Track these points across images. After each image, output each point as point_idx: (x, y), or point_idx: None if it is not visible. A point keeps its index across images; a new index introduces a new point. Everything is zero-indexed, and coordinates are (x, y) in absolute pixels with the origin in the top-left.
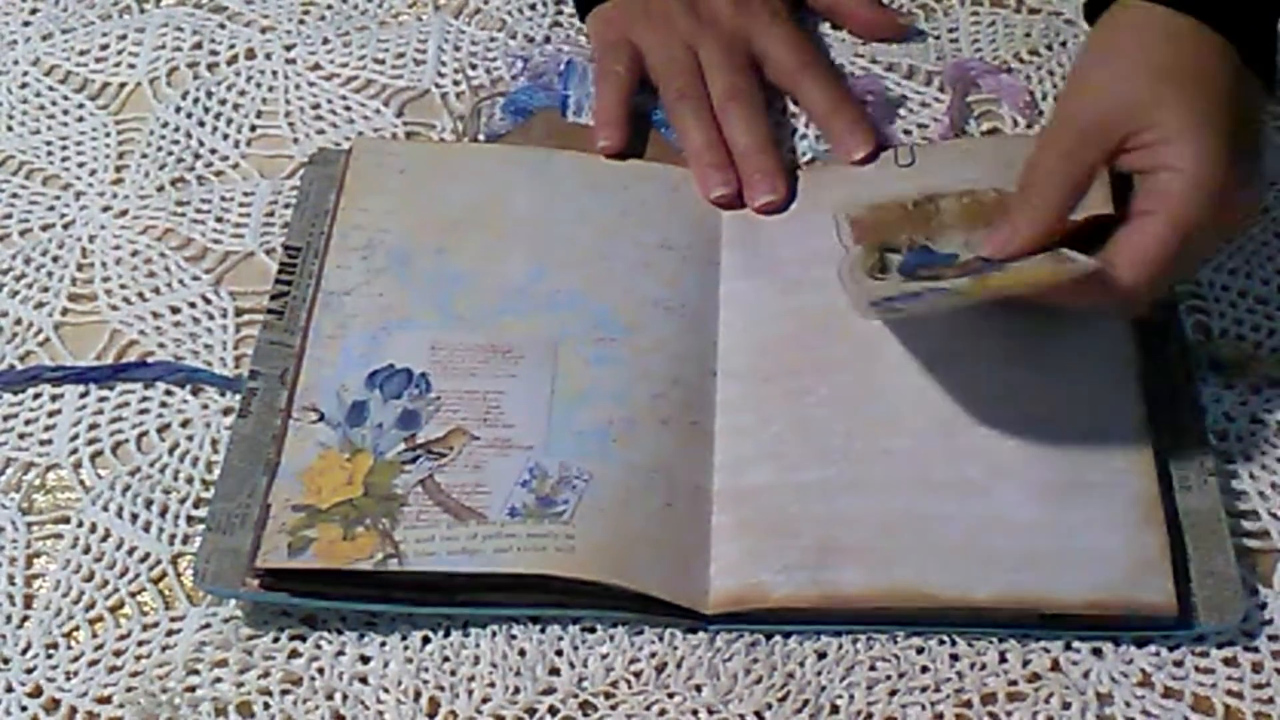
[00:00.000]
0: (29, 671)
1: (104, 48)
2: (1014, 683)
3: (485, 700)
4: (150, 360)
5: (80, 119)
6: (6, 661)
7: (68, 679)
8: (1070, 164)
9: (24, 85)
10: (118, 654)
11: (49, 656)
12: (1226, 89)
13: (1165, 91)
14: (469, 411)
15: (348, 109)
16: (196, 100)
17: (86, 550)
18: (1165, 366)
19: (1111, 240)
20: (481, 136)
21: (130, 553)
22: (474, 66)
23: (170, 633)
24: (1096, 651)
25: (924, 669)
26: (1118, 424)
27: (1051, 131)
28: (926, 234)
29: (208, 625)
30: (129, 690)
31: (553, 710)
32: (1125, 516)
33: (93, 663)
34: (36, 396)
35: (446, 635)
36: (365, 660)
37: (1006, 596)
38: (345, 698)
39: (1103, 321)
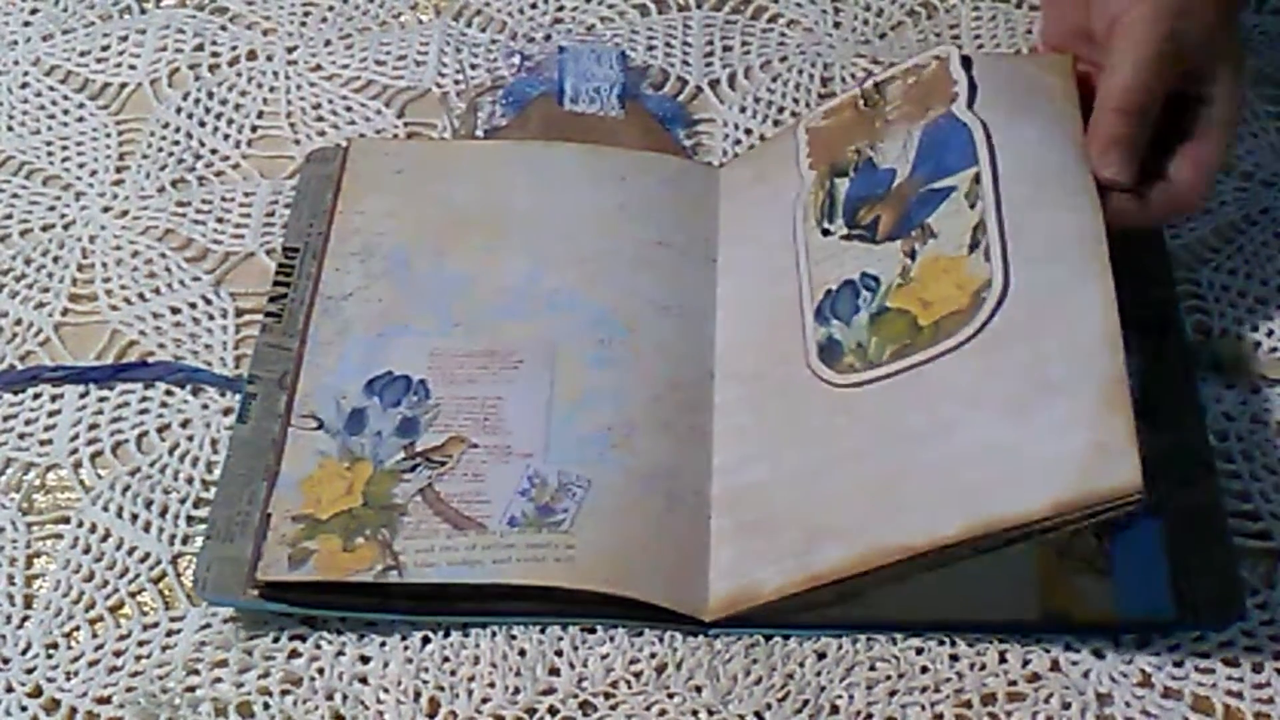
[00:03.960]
0: (29, 671)
1: (105, 48)
2: (1014, 683)
3: (485, 700)
4: (150, 360)
5: (81, 119)
6: (6, 661)
7: (68, 679)
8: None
9: (24, 85)
10: (118, 654)
11: (49, 656)
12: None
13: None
14: (468, 418)
15: (349, 109)
16: (197, 101)
17: (86, 550)
18: (1165, 366)
19: (1178, 159)
20: (480, 132)
21: (130, 553)
22: (475, 67)
23: (170, 633)
24: (1096, 651)
25: (924, 669)
26: (1083, 312)
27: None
28: (872, 138)
29: (208, 625)
30: (129, 690)
31: (553, 710)
32: (1088, 406)
33: (93, 663)
34: (36, 396)
35: (446, 635)
36: (365, 660)
37: (972, 526)
38: (345, 698)
39: (1068, 211)
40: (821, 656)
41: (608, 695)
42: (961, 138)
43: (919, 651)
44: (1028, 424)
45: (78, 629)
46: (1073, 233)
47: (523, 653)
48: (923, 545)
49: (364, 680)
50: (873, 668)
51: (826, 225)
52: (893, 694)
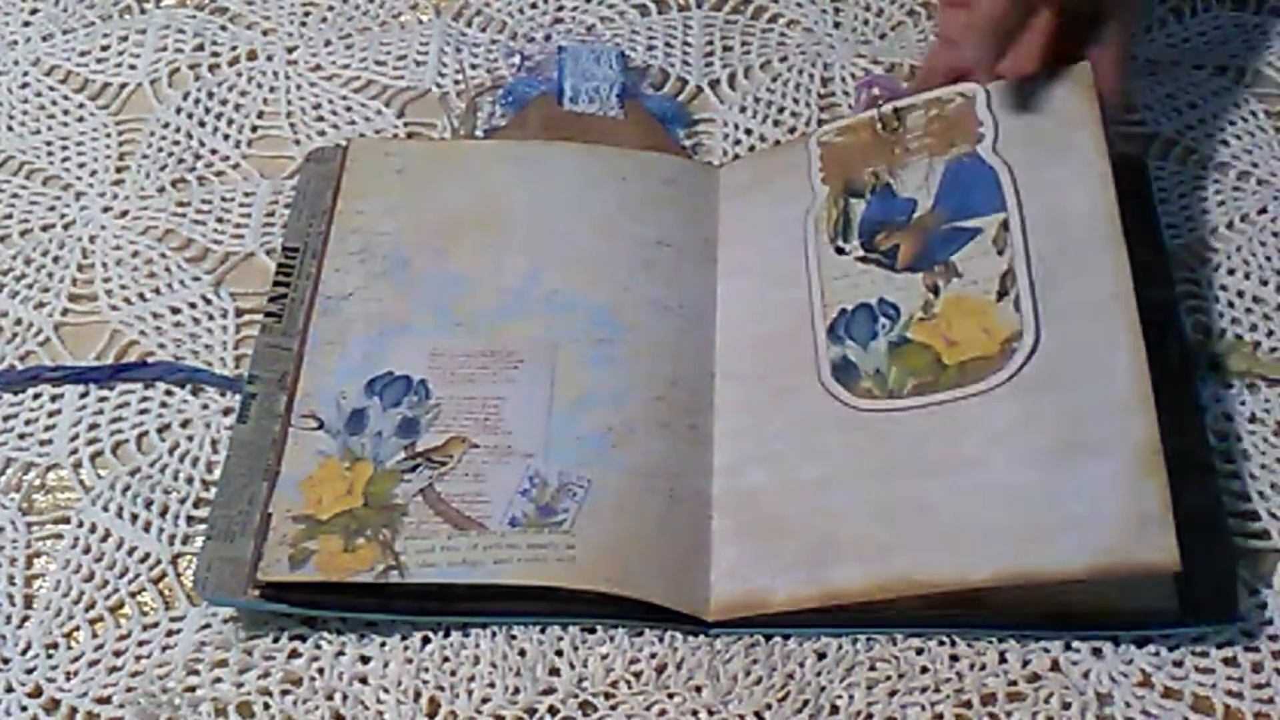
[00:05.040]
0: (29, 671)
1: (105, 48)
2: (1014, 683)
3: (485, 700)
4: (150, 360)
5: (81, 119)
6: (6, 661)
7: (68, 679)
8: None
9: (24, 85)
10: (118, 654)
11: (49, 656)
12: None
13: None
14: (468, 418)
15: (349, 109)
16: (197, 101)
17: (86, 550)
18: (1165, 366)
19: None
20: (480, 132)
21: (130, 553)
22: (475, 67)
23: (170, 633)
24: (1096, 651)
25: (924, 669)
26: (1114, 372)
27: None
28: (890, 163)
29: (208, 625)
30: (129, 690)
31: (553, 710)
32: (1124, 470)
33: (93, 663)
34: (36, 396)
35: (446, 636)
36: (365, 660)
37: (1005, 574)
38: (345, 698)
39: (1098, 268)
40: (821, 656)
41: (608, 695)
42: (988, 180)
43: (919, 651)
44: (1060, 478)
45: (78, 629)
46: (1102, 290)
47: (523, 653)
48: (950, 584)
49: (364, 680)
50: (873, 668)
51: (841, 243)
52: (893, 694)
